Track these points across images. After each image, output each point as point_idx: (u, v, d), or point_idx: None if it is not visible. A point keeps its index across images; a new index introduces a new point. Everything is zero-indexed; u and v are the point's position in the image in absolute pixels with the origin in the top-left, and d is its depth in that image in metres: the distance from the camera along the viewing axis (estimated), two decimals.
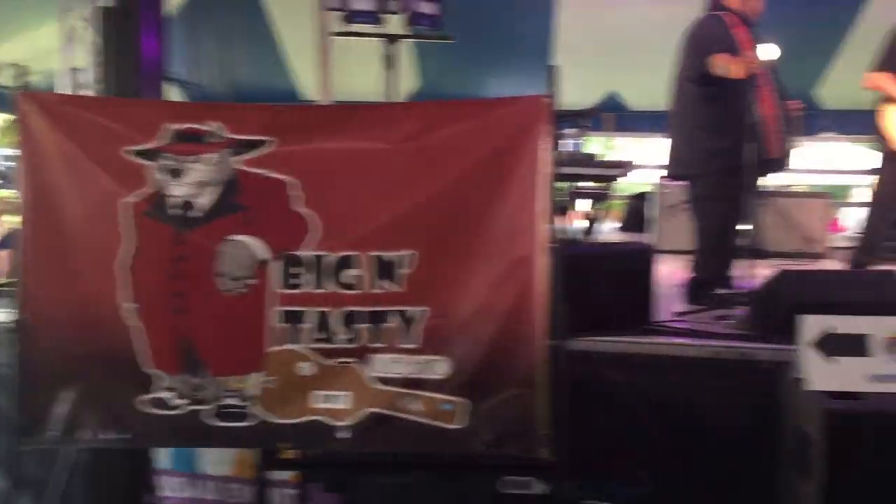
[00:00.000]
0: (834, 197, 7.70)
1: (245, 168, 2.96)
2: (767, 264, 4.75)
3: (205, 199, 2.97)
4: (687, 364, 3.48)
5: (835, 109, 9.17)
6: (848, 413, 2.76)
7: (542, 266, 2.91)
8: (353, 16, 5.54)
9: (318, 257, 2.96)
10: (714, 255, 4.52)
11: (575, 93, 8.38)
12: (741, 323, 3.84)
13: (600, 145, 10.30)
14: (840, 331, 3.01)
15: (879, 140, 4.98)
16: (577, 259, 3.70)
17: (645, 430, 3.41)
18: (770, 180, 8.00)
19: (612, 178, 5.73)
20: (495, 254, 2.95)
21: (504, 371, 2.96)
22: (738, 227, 4.52)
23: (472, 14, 7.66)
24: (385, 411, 2.98)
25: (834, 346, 2.99)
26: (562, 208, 5.92)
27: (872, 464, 2.71)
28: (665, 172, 4.92)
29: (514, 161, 2.90)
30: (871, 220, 5.15)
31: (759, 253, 6.75)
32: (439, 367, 2.97)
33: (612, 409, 3.41)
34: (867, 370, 2.98)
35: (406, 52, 7.56)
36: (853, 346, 3.00)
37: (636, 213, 8.77)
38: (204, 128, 2.95)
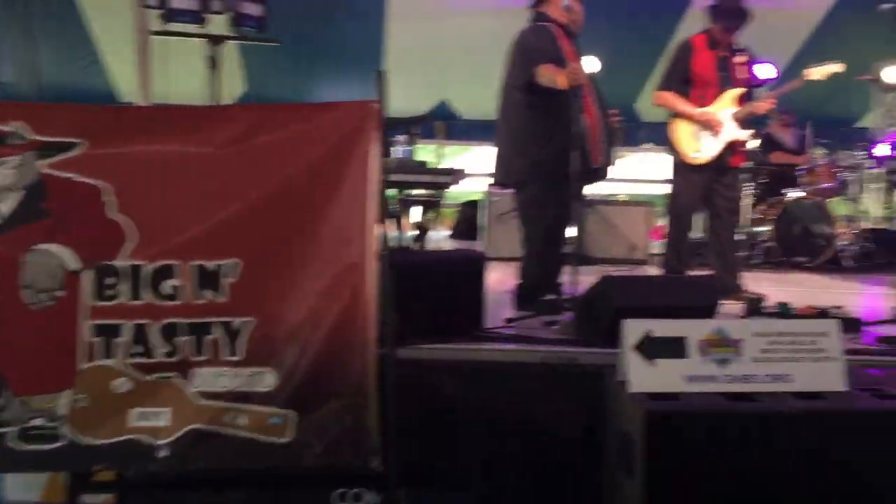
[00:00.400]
0: (654, 205, 8.06)
1: (52, 172, 2.76)
2: (593, 270, 4.90)
3: (5, 206, 2.75)
4: (516, 370, 3.51)
5: (653, 122, 9.66)
6: (666, 413, 2.84)
7: (372, 273, 2.88)
8: (172, 14, 5.31)
9: (135, 267, 2.80)
10: (540, 261, 4.61)
11: (406, 100, 8.48)
12: (568, 328, 3.91)
13: (432, 153, 10.37)
14: (659, 334, 3.11)
15: (673, 153, 5.25)
16: (407, 266, 3.69)
17: (476, 437, 3.42)
18: (594, 189, 8.34)
19: (444, 186, 5.78)
20: (324, 261, 2.88)
21: (334, 381, 2.89)
22: (565, 233, 4.64)
23: (302, 17, 7.57)
24: (209, 427, 2.85)
25: (654, 348, 3.08)
26: (392, 215, 5.94)
27: (690, 461, 2.82)
28: (493, 180, 4.99)
29: (343, 167, 2.85)
30: (673, 231, 5.37)
31: (584, 259, 7.00)
32: (266, 380, 2.87)
33: (443, 416, 3.40)
34: (684, 371, 3.09)
35: (231, 54, 7.35)
36: (671, 348, 3.10)
37: (468, 220, 8.92)
38: (4, 128, 2.73)
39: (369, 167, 2.86)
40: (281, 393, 2.86)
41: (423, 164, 5.87)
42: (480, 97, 6.42)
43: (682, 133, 5.18)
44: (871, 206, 8.53)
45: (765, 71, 5.27)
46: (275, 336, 2.85)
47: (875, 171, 8.17)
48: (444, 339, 3.58)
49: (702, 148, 5.14)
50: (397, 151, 5.74)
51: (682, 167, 5.20)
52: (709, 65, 5.19)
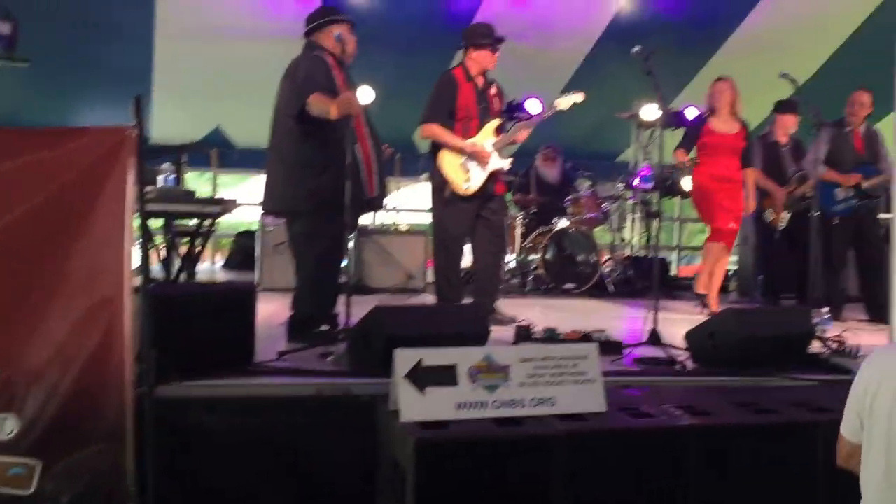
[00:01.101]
0: (431, 234, 8.20)
1: None
2: (370, 300, 4.88)
3: None
4: (289, 403, 3.43)
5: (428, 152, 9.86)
6: (435, 442, 2.86)
7: (129, 308, 2.72)
8: None
9: None
10: (314, 292, 4.55)
11: (178, 126, 8.18)
12: (342, 359, 3.87)
13: (208, 182, 10.06)
14: (430, 362, 3.13)
15: (441, 184, 5.33)
16: (171, 300, 3.53)
17: (246, 475, 3.29)
18: (371, 218, 8.36)
19: (213, 216, 5.59)
20: (74, 296, 2.70)
21: (86, 424, 2.71)
22: (339, 264, 4.59)
23: (61, 37, 7.09)
24: None
25: (425, 377, 3.10)
26: (158, 246, 5.67)
27: (460, 488, 2.84)
28: (263, 209, 4.88)
29: (94, 196, 2.68)
30: (444, 260, 5.43)
31: (362, 289, 7.01)
32: (6, 426, 2.62)
33: (210, 455, 3.25)
34: (455, 399, 3.13)
35: None
36: (442, 376, 3.14)
37: (243, 251, 8.70)
38: None
39: (125, 196, 2.70)
40: (23, 440, 2.64)
41: (190, 193, 5.65)
42: (255, 125, 6.29)
43: (450, 164, 5.30)
44: (631, 235, 9.16)
45: (533, 106, 5.54)
46: (15, 379, 2.62)
47: (632, 202, 8.76)
48: (212, 375, 3.43)
49: (471, 178, 5.29)
50: (163, 180, 5.49)
51: (451, 197, 5.30)
52: (471, 97, 5.36)
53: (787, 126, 6.63)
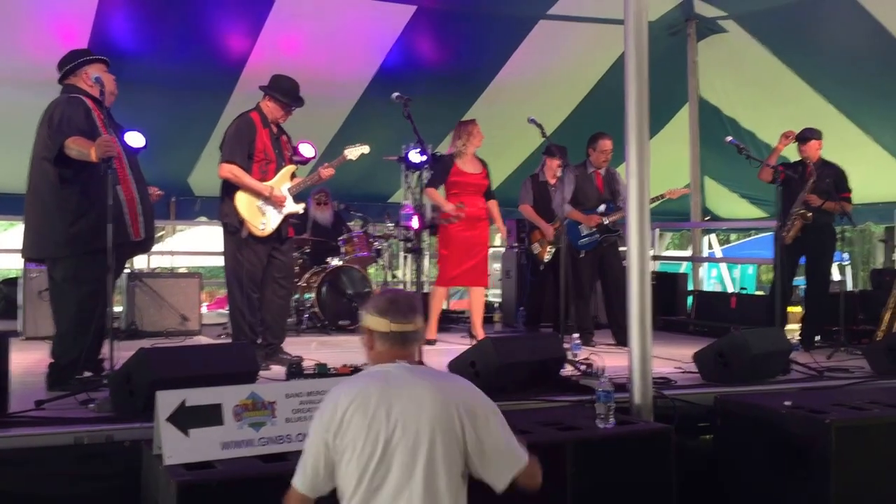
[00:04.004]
0: (204, 276, 8.13)
1: None
2: (142, 344, 4.78)
3: None
4: (46, 454, 3.33)
5: (207, 196, 9.80)
6: (199, 483, 2.87)
7: None
8: None
9: None
10: (75, 338, 4.41)
11: None
12: (105, 405, 3.79)
13: None
14: (194, 403, 3.16)
15: (237, 224, 5.35)
16: None
17: None
18: (144, 262, 8.18)
19: None
20: None
21: None
22: (102, 308, 4.45)
23: None
24: None
25: (189, 418, 3.12)
26: None
27: None
28: (23, 255, 4.69)
29: None
30: (240, 300, 5.40)
31: (134, 333, 6.84)
32: None
33: None
34: (221, 438, 3.16)
35: None
36: (208, 416, 3.17)
37: (6, 298, 8.26)
38: None
39: None
40: None
41: None
42: (14, 170, 6.03)
43: (247, 205, 5.34)
44: (402, 272, 9.48)
45: (306, 150, 5.73)
46: None
47: (401, 240, 9.10)
48: None
49: (267, 220, 5.38)
50: None
51: (248, 238, 5.34)
52: (268, 142, 5.47)
53: (553, 168, 7.20)
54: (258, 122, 5.46)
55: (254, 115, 5.49)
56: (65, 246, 4.39)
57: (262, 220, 5.36)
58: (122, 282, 7.19)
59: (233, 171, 5.33)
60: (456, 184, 6.60)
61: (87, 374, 4.41)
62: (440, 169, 6.70)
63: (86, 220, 4.35)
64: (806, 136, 6.76)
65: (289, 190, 5.50)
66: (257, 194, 5.36)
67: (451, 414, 2.31)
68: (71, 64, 4.64)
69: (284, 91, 5.51)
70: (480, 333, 6.54)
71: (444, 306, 9.48)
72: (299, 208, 5.63)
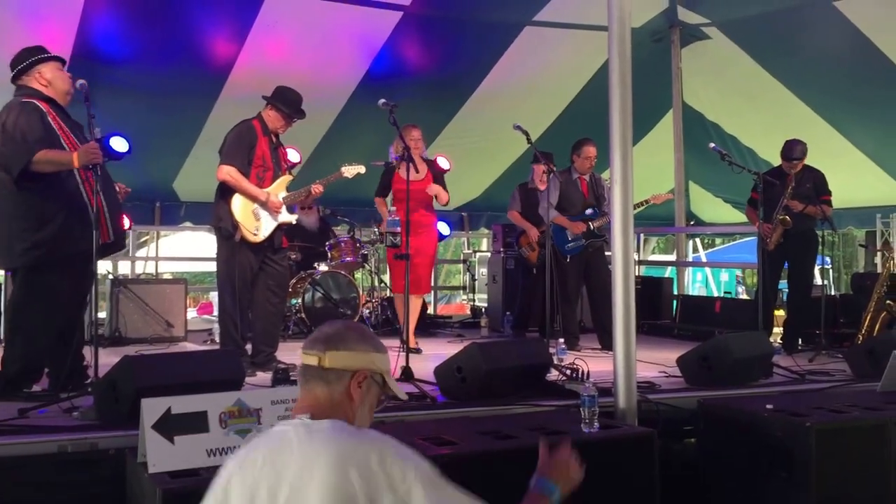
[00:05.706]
0: (189, 282, 8.09)
1: None
2: (127, 351, 4.76)
3: None
4: (30, 463, 3.31)
5: (192, 202, 9.79)
6: (183, 491, 2.83)
7: None
8: None
9: None
10: (27, 347, 4.34)
11: None
12: (90, 413, 3.77)
13: None
14: (180, 410, 3.14)
15: (231, 228, 5.34)
16: None
17: None
18: (128, 268, 8.11)
19: None
20: None
21: None
22: (63, 316, 4.43)
23: None
24: None
25: (174, 425, 3.10)
26: None
27: None
28: None
29: None
30: (231, 305, 5.41)
31: (118, 340, 6.81)
32: None
33: None
34: (206, 446, 3.15)
35: None
36: (193, 424, 3.15)
37: None
38: None
39: None
40: None
41: None
42: None
43: (243, 210, 5.35)
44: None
45: (292, 156, 5.82)
46: None
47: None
48: None
49: (261, 226, 5.39)
50: None
51: (241, 243, 5.34)
52: (267, 150, 5.49)
53: (540, 173, 7.30)
54: (259, 129, 5.49)
55: (255, 123, 5.52)
56: (27, 254, 4.30)
57: (257, 224, 5.38)
58: (105, 288, 7.17)
59: (231, 174, 5.34)
60: (397, 191, 6.63)
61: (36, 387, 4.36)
62: (384, 178, 6.84)
63: (51, 227, 4.28)
64: (796, 158, 6.80)
65: (284, 199, 5.53)
66: (254, 199, 5.38)
67: (348, 484, 1.84)
68: (23, 64, 4.49)
69: (288, 102, 5.53)
70: (412, 342, 6.25)
71: (431, 311, 9.53)
72: (292, 219, 5.66)
